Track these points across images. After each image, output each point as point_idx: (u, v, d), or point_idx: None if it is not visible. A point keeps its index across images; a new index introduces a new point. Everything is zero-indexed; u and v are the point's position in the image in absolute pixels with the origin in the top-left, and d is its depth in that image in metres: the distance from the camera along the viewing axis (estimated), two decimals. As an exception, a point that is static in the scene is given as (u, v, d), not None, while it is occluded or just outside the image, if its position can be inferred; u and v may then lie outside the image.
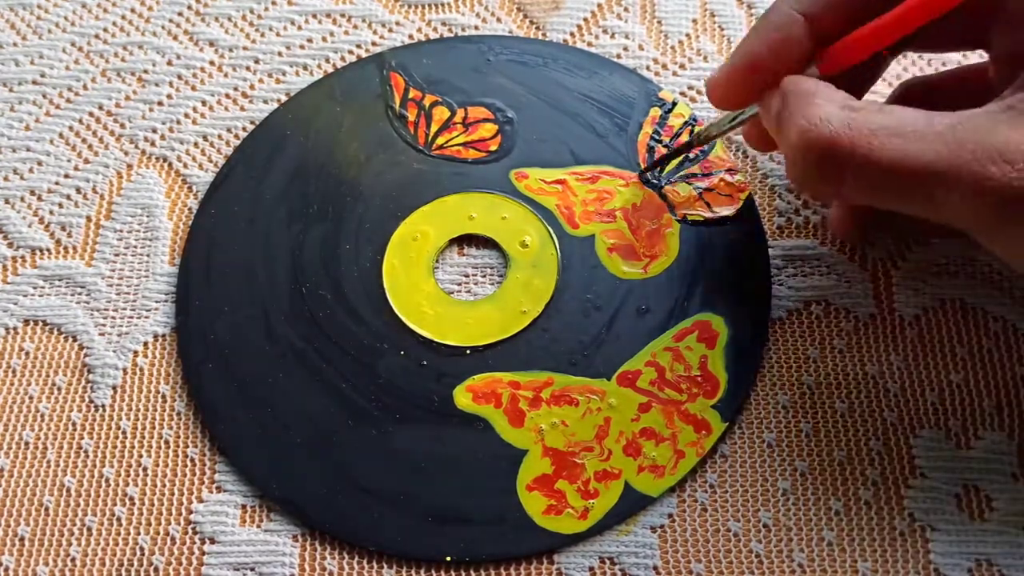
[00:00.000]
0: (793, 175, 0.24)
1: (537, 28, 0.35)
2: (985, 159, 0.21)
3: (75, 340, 0.30)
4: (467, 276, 0.31)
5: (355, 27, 0.35)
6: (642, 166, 0.31)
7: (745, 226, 0.30)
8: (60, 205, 0.32)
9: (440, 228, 0.31)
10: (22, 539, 0.28)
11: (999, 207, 0.21)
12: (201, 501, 0.28)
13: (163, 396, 0.29)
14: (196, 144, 0.33)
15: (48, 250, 0.31)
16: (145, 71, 0.34)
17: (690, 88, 0.33)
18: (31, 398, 0.29)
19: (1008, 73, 0.23)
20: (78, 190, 0.32)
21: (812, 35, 0.25)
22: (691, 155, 0.31)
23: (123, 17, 0.35)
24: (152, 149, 0.33)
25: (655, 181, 0.31)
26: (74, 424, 0.29)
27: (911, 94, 0.29)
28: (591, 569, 0.26)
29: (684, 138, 0.32)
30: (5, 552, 0.27)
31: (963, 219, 0.22)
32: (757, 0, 0.35)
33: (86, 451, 0.29)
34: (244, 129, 0.33)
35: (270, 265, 0.30)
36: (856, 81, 0.26)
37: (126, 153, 0.33)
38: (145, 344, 0.30)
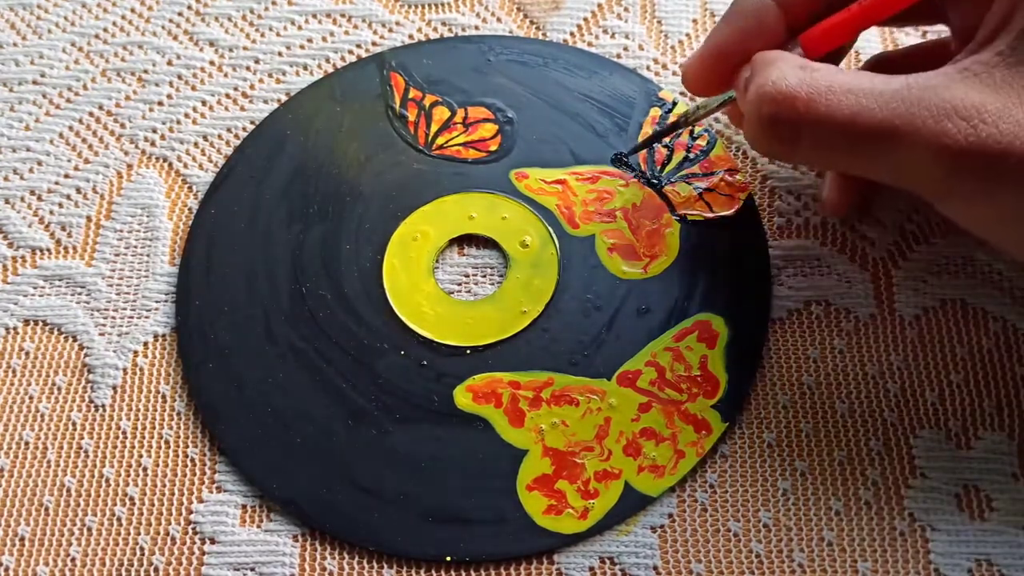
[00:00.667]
0: (750, 134, 0.24)
1: (537, 28, 0.35)
2: (941, 116, 0.21)
3: (75, 340, 0.30)
4: (467, 276, 0.31)
5: (355, 27, 0.35)
6: (642, 166, 0.31)
7: (745, 226, 0.30)
8: (60, 205, 0.32)
9: (440, 228, 0.31)
10: (22, 539, 0.28)
11: (954, 164, 0.21)
12: (201, 501, 0.28)
13: (163, 396, 0.29)
14: (196, 144, 0.33)
15: (48, 250, 0.31)
16: (145, 71, 0.34)
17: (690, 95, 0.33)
18: (31, 398, 0.29)
19: (963, 45, 0.24)
20: (78, 190, 0.32)
21: (784, 20, 0.25)
22: (691, 155, 0.31)
23: (123, 17, 0.35)
24: (152, 149, 0.33)
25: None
26: (74, 424, 0.29)
27: (877, 70, 0.29)
28: (591, 569, 0.26)
29: (684, 138, 0.32)
30: (5, 552, 0.27)
31: (919, 179, 0.22)
32: (757, 0, 0.35)
33: (86, 451, 0.29)
34: (244, 129, 0.33)
35: (270, 265, 0.30)
36: (825, 59, 0.26)
37: (126, 153, 0.33)
38: (145, 344, 0.30)
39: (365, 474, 0.27)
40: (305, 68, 0.34)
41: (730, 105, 0.27)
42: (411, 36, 0.35)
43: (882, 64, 0.29)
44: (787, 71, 0.23)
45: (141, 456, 0.28)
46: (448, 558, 0.27)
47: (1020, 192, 0.21)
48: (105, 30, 0.35)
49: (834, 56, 0.27)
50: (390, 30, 0.35)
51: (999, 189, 0.22)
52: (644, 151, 0.31)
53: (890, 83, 0.22)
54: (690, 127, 0.30)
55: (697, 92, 0.28)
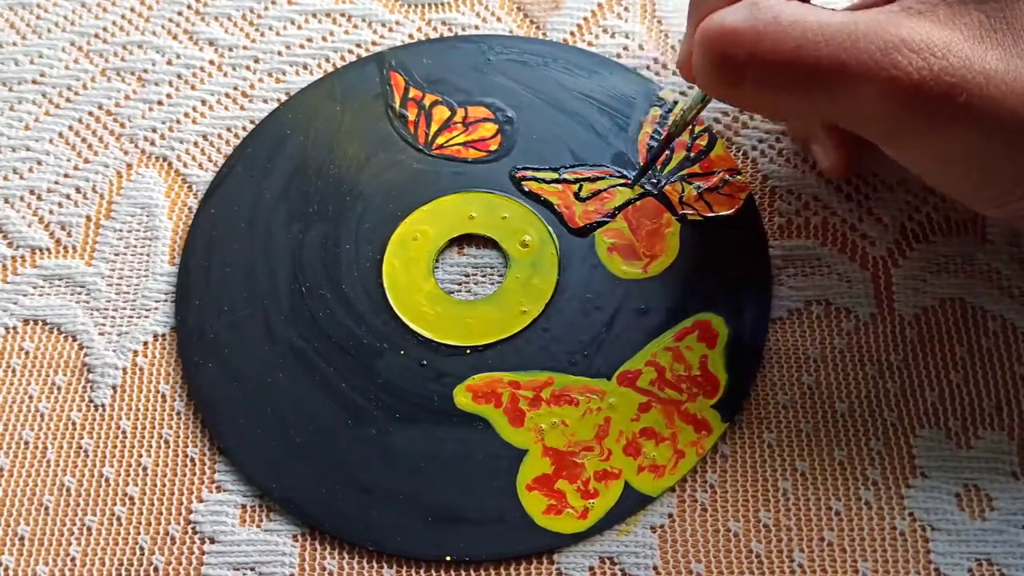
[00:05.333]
0: (698, 75, 0.24)
1: (537, 28, 0.35)
2: (890, 48, 0.21)
3: (75, 340, 0.30)
4: (467, 276, 0.31)
5: (355, 26, 0.35)
6: (642, 164, 0.31)
7: (745, 226, 0.30)
8: (60, 205, 0.32)
9: (440, 228, 0.31)
10: (22, 539, 0.28)
11: (904, 100, 0.21)
12: (201, 501, 0.28)
13: (163, 396, 0.29)
14: (196, 143, 0.33)
15: (48, 250, 0.31)
16: (145, 70, 0.34)
17: (691, 88, 0.33)
18: (31, 398, 0.29)
19: None
20: (78, 189, 0.32)
21: None
22: (691, 155, 0.31)
23: (123, 16, 0.35)
24: (152, 148, 0.33)
25: (653, 181, 0.31)
26: (74, 424, 0.29)
27: None
28: (591, 569, 0.26)
29: (684, 138, 0.32)
30: (5, 552, 0.27)
31: (867, 117, 0.22)
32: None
33: (86, 451, 0.29)
34: (244, 129, 0.33)
35: (270, 265, 0.30)
36: None
37: (126, 152, 0.33)
38: (145, 344, 0.30)
39: (365, 474, 0.27)
40: (305, 67, 0.34)
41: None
42: (411, 36, 0.35)
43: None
44: (736, 8, 0.23)
45: (141, 456, 0.28)
46: (448, 558, 0.27)
47: (969, 128, 0.21)
48: (105, 29, 0.35)
49: None
50: (390, 29, 0.35)
51: (948, 126, 0.21)
52: (643, 152, 0.31)
53: (836, 16, 0.22)
54: (673, 123, 0.29)
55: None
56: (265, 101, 0.34)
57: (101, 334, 0.30)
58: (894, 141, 0.23)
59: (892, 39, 0.21)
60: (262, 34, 0.35)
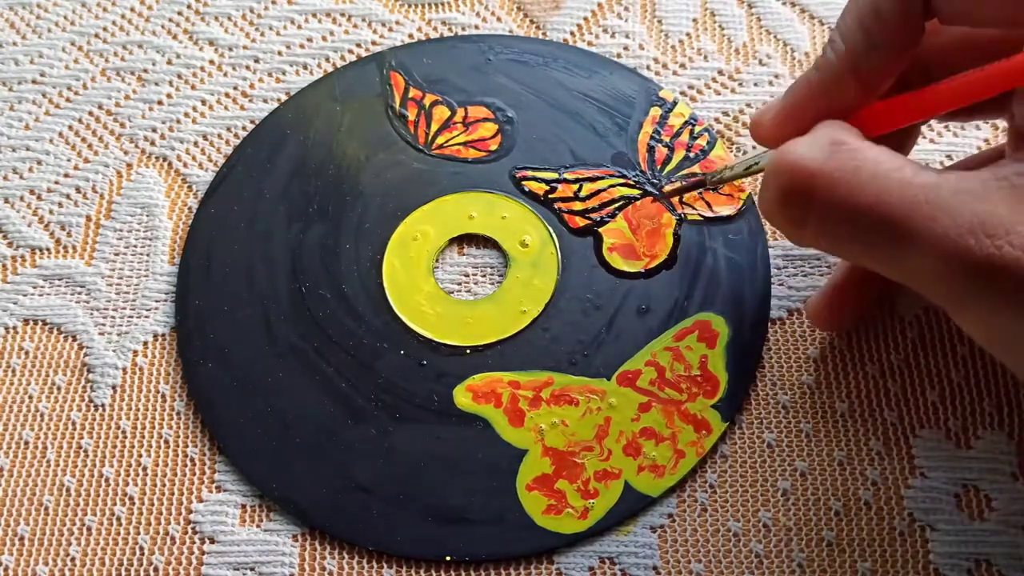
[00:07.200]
0: (761, 201, 0.23)
1: (537, 27, 0.35)
2: (964, 228, 0.19)
3: (75, 340, 0.30)
4: (467, 276, 0.31)
5: (355, 26, 0.35)
6: (642, 166, 0.31)
7: (745, 226, 0.30)
8: (60, 204, 0.32)
9: (440, 228, 0.31)
10: (22, 539, 0.28)
11: (967, 279, 0.19)
12: (201, 501, 0.28)
13: (163, 395, 0.29)
14: (196, 143, 0.33)
15: (48, 249, 0.31)
16: (145, 70, 0.34)
17: (690, 87, 0.33)
18: (31, 397, 0.29)
19: (1018, 145, 0.21)
20: (78, 189, 0.32)
21: (860, 82, 0.23)
22: (691, 155, 0.31)
23: (123, 16, 0.35)
24: (152, 148, 0.33)
25: (653, 182, 0.31)
26: (74, 424, 0.29)
27: None
28: (591, 569, 0.26)
29: (684, 137, 0.32)
30: (5, 552, 0.27)
31: (933, 286, 0.21)
32: (757, 0, 0.35)
33: (86, 451, 0.29)
34: (244, 128, 0.33)
35: (270, 265, 0.30)
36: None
37: (126, 152, 0.33)
38: (145, 343, 0.30)
39: (365, 474, 0.27)
40: (305, 67, 0.34)
41: None
42: (411, 35, 0.35)
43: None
44: (817, 145, 0.21)
45: (141, 456, 0.28)
46: (448, 558, 0.27)
47: None
48: (105, 29, 0.35)
49: (899, 145, 0.24)
50: (390, 29, 0.35)
51: (1016, 308, 0.19)
52: (643, 153, 0.31)
53: (919, 175, 0.20)
54: (711, 175, 0.29)
55: (762, 143, 0.26)
56: (265, 101, 0.34)
57: (101, 334, 0.30)
58: (960, 313, 0.21)
59: (972, 218, 0.19)
60: (262, 34, 0.35)
